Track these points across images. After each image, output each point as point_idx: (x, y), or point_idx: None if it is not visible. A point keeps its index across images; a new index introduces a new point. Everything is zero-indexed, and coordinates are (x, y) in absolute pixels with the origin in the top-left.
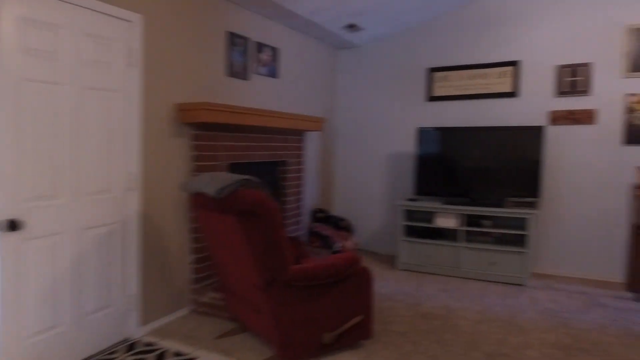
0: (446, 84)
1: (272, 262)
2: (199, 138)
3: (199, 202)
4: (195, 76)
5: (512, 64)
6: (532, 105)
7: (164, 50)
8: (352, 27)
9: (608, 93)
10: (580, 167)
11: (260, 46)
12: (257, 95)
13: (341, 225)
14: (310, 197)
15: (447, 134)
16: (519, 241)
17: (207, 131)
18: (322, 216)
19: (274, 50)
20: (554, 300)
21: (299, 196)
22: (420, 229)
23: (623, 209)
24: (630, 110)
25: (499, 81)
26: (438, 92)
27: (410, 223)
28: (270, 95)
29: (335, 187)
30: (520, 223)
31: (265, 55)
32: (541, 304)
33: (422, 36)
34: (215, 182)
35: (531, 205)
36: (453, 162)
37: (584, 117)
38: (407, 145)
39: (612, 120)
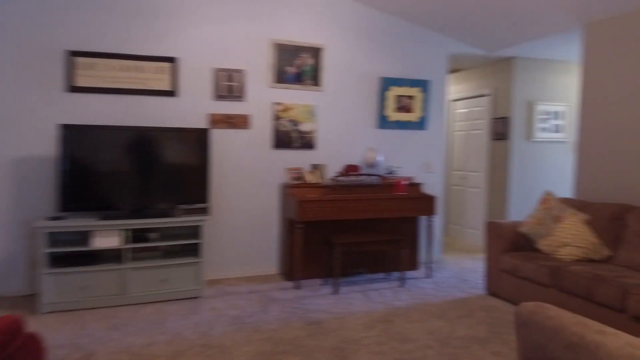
0: (93, 74)
1: None
2: None
3: None
4: None
5: (170, 60)
6: (192, 106)
7: None
8: None
9: (259, 100)
10: (239, 170)
11: None
12: None
13: None
14: None
15: (100, 134)
16: (191, 251)
17: None
18: None
19: None
20: (233, 306)
21: None
22: (72, 255)
23: (276, 206)
24: (277, 117)
25: (157, 77)
26: (83, 82)
27: (56, 249)
28: None
29: None
30: (192, 231)
31: None
32: (224, 313)
33: (61, 9)
34: None
35: (202, 211)
36: (110, 169)
37: (240, 122)
38: (43, 147)
39: (263, 126)
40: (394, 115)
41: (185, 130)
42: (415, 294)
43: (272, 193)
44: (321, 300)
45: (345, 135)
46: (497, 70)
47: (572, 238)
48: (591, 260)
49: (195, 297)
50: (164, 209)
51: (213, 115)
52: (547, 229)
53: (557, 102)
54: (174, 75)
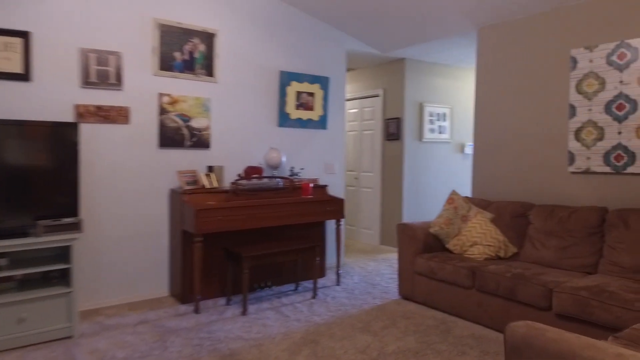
0: None
1: None
2: None
3: None
4: None
5: (21, 34)
6: (52, 94)
7: None
8: None
9: (141, 90)
10: (117, 174)
11: None
12: None
13: None
14: None
15: None
16: (58, 278)
17: None
18: None
19: None
20: (120, 344)
21: None
22: None
23: (165, 215)
24: (164, 111)
25: (2, 56)
26: None
27: None
28: None
29: None
30: (59, 253)
31: None
32: (110, 356)
33: None
34: None
35: (71, 227)
36: None
37: (116, 115)
38: None
39: (147, 121)
40: (295, 113)
41: (43, 125)
42: (331, 306)
43: (161, 201)
44: (230, 324)
45: (244, 133)
46: (388, 71)
47: (480, 237)
48: (500, 258)
49: (67, 337)
50: (17, 227)
51: (81, 106)
52: (456, 228)
53: (442, 105)
54: (26, 55)
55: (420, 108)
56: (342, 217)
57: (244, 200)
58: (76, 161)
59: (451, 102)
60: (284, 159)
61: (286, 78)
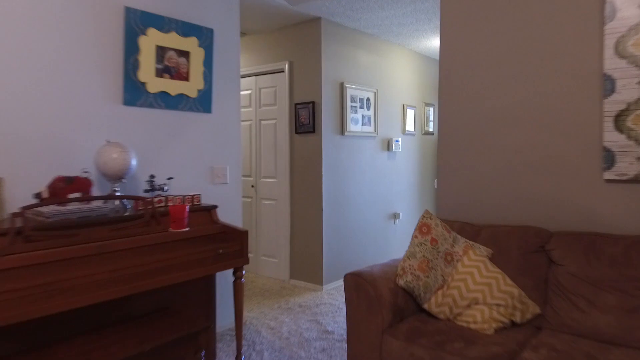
0: None
1: None
2: None
3: None
4: None
5: None
6: None
7: None
8: None
9: None
10: None
11: None
12: None
13: None
14: None
15: None
16: None
17: None
18: None
19: None
20: None
21: None
22: None
23: None
24: None
25: None
26: None
27: None
28: None
29: None
30: None
31: None
32: None
33: None
34: None
35: None
36: None
37: None
38: None
39: None
40: (156, 83)
41: None
42: None
43: None
44: None
45: (53, 113)
46: (297, 36)
47: (482, 290)
48: (514, 325)
49: None
50: None
51: None
52: (439, 276)
53: (366, 87)
54: None
55: (342, 90)
56: (245, 262)
57: (44, 250)
58: None
59: (375, 84)
60: (133, 162)
61: (138, 21)
